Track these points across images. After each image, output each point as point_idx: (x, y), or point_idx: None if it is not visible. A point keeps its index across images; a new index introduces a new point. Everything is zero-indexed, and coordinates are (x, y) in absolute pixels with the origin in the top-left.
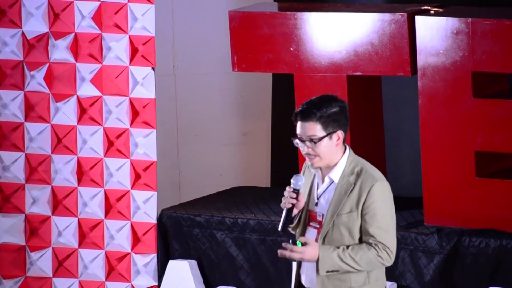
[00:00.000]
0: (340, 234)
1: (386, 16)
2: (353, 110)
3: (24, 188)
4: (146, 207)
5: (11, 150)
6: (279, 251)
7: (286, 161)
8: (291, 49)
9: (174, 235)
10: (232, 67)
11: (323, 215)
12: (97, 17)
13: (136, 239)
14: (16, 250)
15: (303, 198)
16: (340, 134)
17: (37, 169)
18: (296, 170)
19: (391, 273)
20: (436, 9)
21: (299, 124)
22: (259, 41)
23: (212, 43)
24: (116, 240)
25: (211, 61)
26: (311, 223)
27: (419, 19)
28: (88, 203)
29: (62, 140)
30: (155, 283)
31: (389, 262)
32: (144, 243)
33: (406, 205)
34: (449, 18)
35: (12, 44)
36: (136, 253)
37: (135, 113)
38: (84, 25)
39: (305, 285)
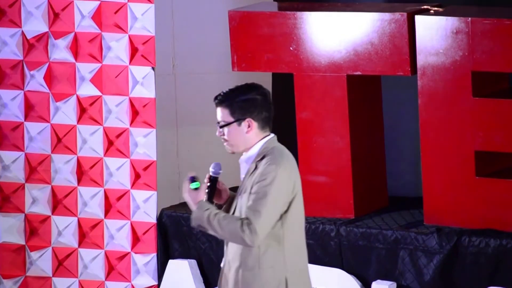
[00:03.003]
0: (240, 213)
1: (386, 16)
2: (353, 109)
3: (24, 187)
4: (146, 207)
5: (11, 149)
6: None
7: None
8: (291, 48)
9: (174, 234)
10: (232, 67)
11: None
12: (97, 16)
13: (136, 239)
14: (16, 249)
15: (224, 186)
16: (250, 122)
17: (37, 169)
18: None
19: (390, 273)
20: (436, 8)
21: (216, 109)
22: (259, 41)
23: (212, 42)
24: (116, 240)
25: (211, 61)
26: None
27: (419, 19)
28: (88, 202)
29: (62, 140)
30: (155, 283)
31: (251, 241)
32: (144, 243)
33: (406, 205)
34: (449, 18)
35: (12, 43)
36: (136, 253)
37: (135, 113)
38: (84, 24)
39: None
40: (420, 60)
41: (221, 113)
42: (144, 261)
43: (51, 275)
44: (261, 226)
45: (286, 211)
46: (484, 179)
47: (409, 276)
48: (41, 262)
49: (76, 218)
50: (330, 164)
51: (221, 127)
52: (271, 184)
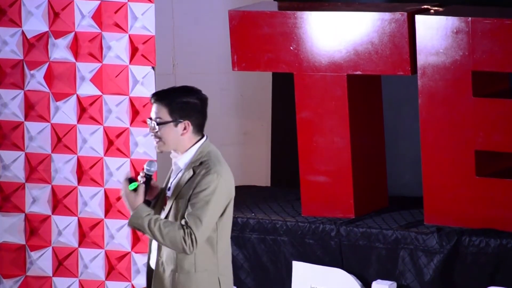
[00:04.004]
0: (174, 218)
1: (386, 15)
2: (353, 109)
3: (24, 187)
4: None
5: (11, 149)
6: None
7: (286, 160)
8: (291, 48)
9: None
10: (232, 66)
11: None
12: (97, 16)
13: (136, 238)
14: (16, 249)
15: (156, 183)
16: (187, 124)
17: (37, 169)
18: (296, 169)
19: (391, 273)
20: (436, 8)
21: (152, 105)
22: (259, 40)
23: (212, 42)
24: (116, 239)
25: (211, 61)
26: (164, 207)
27: (419, 18)
28: (88, 202)
29: (62, 139)
30: None
31: (190, 250)
32: (144, 242)
33: (406, 204)
34: (449, 17)
35: (12, 43)
36: (136, 252)
37: (135, 112)
38: (84, 24)
39: (152, 267)
40: (420, 59)
41: (158, 110)
42: (144, 260)
43: (51, 275)
44: (201, 235)
45: (221, 216)
46: (485, 179)
47: (409, 276)
48: (41, 262)
49: (76, 218)
50: (330, 164)
51: (158, 124)
52: (212, 193)
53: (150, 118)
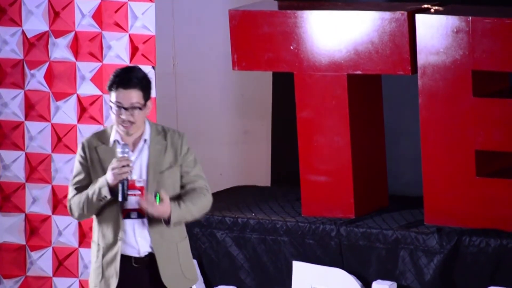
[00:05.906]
0: (166, 190)
1: (386, 15)
2: (354, 109)
3: (24, 187)
4: None
5: (11, 149)
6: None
7: (286, 160)
8: (291, 47)
9: None
10: (232, 66)
11: (143, 180)
12: (97, 15)
13: None
14: (16, 249)
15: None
16: (151, 102)
17: (37, 168)
18: (297, 168)
19: (391, 273)
20: (436, 7)
21: (119, 92)
22: (260, 40)
23: (213, 41)
24: None
25: (211, 60)
26: (129, 193)
27: (419, 18)
28: None
29: (62, 139)
30: None
31: (211, 203)
32: None
33: (406, 204)
34: (449, 17)
35: (12, 42)
36: None
37: None
38: (84, 23)
39: (129, 253)
40: (421, 59)
41: (134, 96)
42: None
43: (51, 275)
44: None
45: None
46: (485, 179)
47: (409, 276)
48: (41, 262)
49: None
50: (331, 164)
51: (141, 109)
52: (192, 151)
53: (121, 107)
